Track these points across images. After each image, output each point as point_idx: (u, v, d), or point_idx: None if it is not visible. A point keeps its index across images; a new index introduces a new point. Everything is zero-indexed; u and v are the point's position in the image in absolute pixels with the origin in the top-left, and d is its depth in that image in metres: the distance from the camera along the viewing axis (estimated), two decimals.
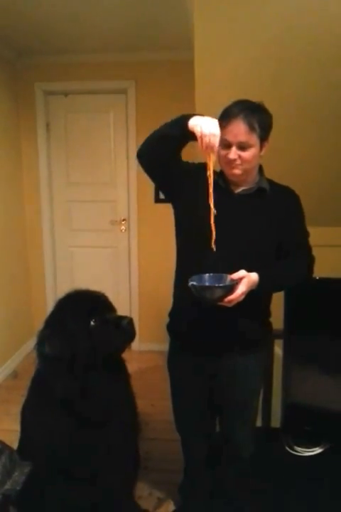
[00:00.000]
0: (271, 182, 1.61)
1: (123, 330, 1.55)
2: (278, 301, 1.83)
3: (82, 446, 1.51)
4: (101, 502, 1.65)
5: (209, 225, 1.51)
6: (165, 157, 1.54)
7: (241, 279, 1.41)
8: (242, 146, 1.46)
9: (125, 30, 2.93)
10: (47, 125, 3.63)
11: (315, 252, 1.63)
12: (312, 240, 1.64)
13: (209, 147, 1.39)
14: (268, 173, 1.64)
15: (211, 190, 1.47)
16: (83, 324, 1.51)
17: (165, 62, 3.39)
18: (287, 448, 1.93)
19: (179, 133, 1.46)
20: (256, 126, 1.44)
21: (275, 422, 2.13)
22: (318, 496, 1.74)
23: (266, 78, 2.13)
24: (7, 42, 3.18)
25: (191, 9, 2.09)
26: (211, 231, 1.49)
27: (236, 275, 1.41)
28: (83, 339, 1.49)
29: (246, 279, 1.41)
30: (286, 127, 2.19)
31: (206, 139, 1.38)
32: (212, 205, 1.48)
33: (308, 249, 1.63)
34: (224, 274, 1.44)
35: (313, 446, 1.93)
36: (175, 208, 1.68)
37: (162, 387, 2.00)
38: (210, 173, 1.46)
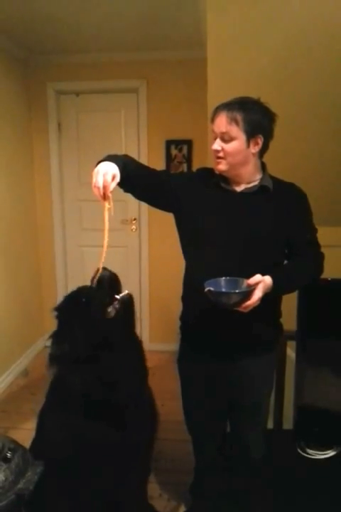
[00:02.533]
0: (275, 180, 1.59)
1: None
2: (290, 303, 1.81)
3: (101, 446, 1.49)
4: (115, 501, 1.65)
5: (212, 228, 1.53)
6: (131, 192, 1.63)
7: (257, 283, 1.39)
8: (224, 138, 1.47)
9: (136, 30, 2.93)
10: (59, 125, 3.65)
11: (326, 252, 1.61)
12: (324, 240, 1.62)
13: (99, 193, 1.38)
14: (277, 171, 1.62)
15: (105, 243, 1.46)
16: (75, 307, 1.53)
17: (176, 62, 3.38)
18: (299, 450, 1.91)
19: None
20: (240, 119, 1.44)
21: (287, 423, 2.12)
22: (330, 499, 1.72)
23: (279, 76, 2.11)
24: (19, 41, 3.20)
25: (203, 7, 2.09)
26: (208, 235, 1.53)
27: (253, 280, 1.39)
28: (78, 319, 1.49)
29: (262, 284, 1.39)
30: (298, 125, 2.18)
31: (94, 189, 1.39)
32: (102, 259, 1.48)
33: (317, 246, 1.61)
34: (239, 278, 1.42)
35: (326, 449, 1.91)
36: (176, 217, 1.68)
37: (172, 387, 1.99)
38: (105, 226, 1.44)
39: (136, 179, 1.56)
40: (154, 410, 1.75)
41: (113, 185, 1.40)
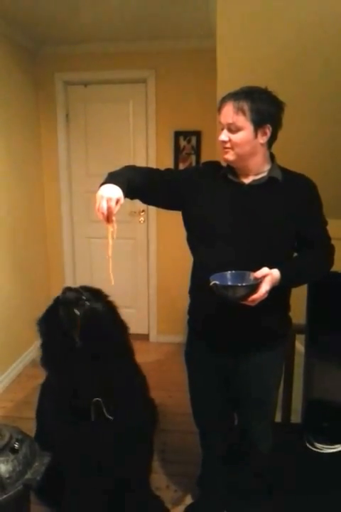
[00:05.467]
0: (285, 170, 1.56)
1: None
2: (300, 296, 1.79)
3: (85, 438, 1.55)
4: (116, 488, 1.68)
5: (221, 221, 1.51)
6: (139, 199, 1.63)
7: (264, 277, 1.37)
8: (231, 129, 1.45)
9: (145, 19, 2.89)
10: (67, 115, 3.63)
11: (336, 245, 1.58)
12: (334, 233, 1.59)
13: (103, 218, 1.38)
14: (285, 161, 1.59)
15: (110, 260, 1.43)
16: (52, 316, 1.58)
17: (185, 51, 3.34)
18: (307, 444, 1.90)
19: None
20: (247, 109, 1.42)
21: (296, 417, 2.11)
22: (339, 494, 1.71)
23: (288, 66, 2.08)
24: (27, 32, 3.18)
25: None
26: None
27: (259, 273, 1.37)
28: (53, 327, 1.56)
29: (269, 277, 1.37)
30: (306, 115, 2.14)
31: (98, 213, 1.38)
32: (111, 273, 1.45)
33: (327, 238, 1.58)
34: (246, 272, 1.40)
35: (334, 443, 1.90)
36: (183, 214, 1.67)
37: (180, 379, 1.99)
38: (108, 247, 1.42)
39: (140, 190, 1.57)
40: (140, 402, 1.77)
41: (117, 209, 1.39)
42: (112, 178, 1.44)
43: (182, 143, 3.50)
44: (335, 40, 1.97)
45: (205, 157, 3.43)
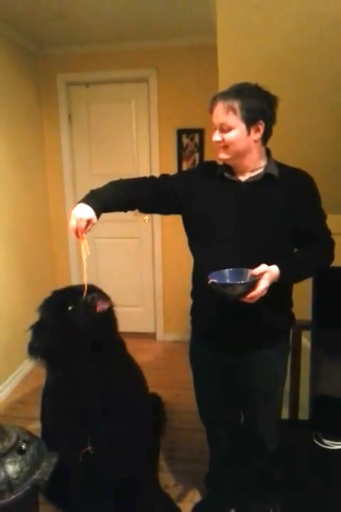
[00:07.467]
0: (281, 165, 1.54)
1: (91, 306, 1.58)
2: (305, 291, 1.78)
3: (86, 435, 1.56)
4: (123, 486, 1.69)
5: (220, 221, 1.52)
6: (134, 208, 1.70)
7: (262, 274, 1.36)
8: (223, 128, 1.45)
9: (145, 18, 2.89)
10: (70, 116, 3.64)
11: (337, 240, 1.57)
12: (336, 228, 1.58)
13: (74, 233, 1.49)
14: (286, 157, 1.58)
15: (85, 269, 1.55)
16: (59, 312, 1.59)
17: (186, 49, 3.33)
18: (315, 441, 1.89)
19: None
20: (237, 107, 1.41)
21: (304, 414, 2.10)
22: None
23: (291, 62, 2.07)
24: (29, 33, 3.19)
25: None
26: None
27: (257, 270, 1.36)
28: (59, 325, 1.57)
29: (267, 274, 1.36)
30: (307, 110, 2.13)
31: (70, 229, 1.49)
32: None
33: (327, 232, 1.56)
34: (244, 269, 1.39)
35: None
36: (182, 217, 1.67)
37: (187, 377, 1.99)
38: (83, 261, 1.54)
39: (131, 203, 1.64)
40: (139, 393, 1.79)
41: (88, 228, 1.50)
42: (89, 198, 1.54)
43: (186, 141, 3.50)
44: (337, 35, 1.95)
45: (209, 154, 3.42)
